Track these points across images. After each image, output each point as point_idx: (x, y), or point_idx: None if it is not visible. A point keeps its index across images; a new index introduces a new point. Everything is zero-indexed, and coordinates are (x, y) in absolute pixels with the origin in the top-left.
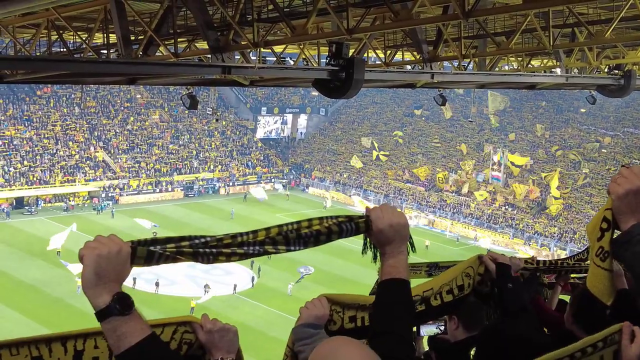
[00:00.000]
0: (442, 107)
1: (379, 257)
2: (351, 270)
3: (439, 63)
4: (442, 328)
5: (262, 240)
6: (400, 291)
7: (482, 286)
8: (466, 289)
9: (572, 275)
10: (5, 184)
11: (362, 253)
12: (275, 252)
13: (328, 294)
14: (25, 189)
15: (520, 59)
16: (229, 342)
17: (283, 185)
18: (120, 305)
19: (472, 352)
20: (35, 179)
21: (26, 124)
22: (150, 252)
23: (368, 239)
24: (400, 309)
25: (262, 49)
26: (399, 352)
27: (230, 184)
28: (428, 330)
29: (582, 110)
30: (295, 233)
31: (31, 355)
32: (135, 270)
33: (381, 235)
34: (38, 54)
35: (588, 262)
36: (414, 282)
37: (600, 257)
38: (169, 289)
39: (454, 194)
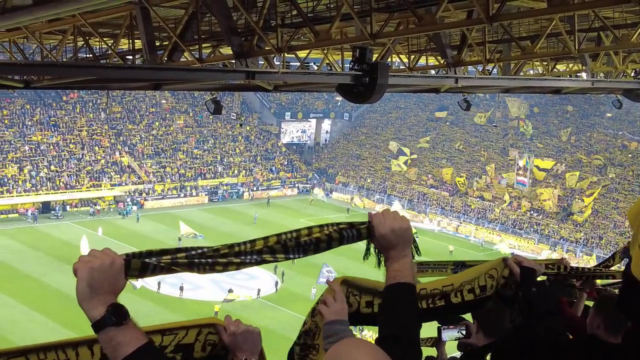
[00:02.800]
0: (468, 111)
1: (383, 263)
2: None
3: (463, 67)
4: (464, 332)
5: (259, 249)
6: (406, 295)
7: (506, 289)
8: (488, 290)
9: (597, 281)
10: (32, 188)
11: (364, 258)
12: (273, 260)
13: (347, 277)
14: (52, 193)
15: (546, 63)
16: (252, 344)
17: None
18: (115, 316)
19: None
20: (61, 183)
21: (53, 129)
22: (144, 263)
23: (371, 245)
24: (406, 312)
25: (285, 54)
26: (406, 356)
27: (254, 188)
28: (450, 334)
29: (608, 114)
30: (294, 241)
31: (58, 358)
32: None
33: (384, 240)
34: (64, 59)
35: (613, 268)
36: (434, 277)
37: None
38: (193, 294)
39: (478, 199)
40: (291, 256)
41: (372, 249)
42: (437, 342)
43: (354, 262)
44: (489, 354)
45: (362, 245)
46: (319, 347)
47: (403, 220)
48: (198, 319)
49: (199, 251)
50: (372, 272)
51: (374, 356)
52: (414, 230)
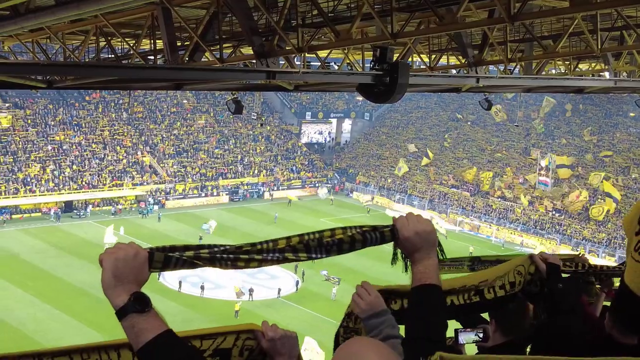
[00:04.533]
0: (489, 111)
1: (409, 267)
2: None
3: (484, 67)
4: (481, 335)
5: (282, 248)
6: (432, 297)
7: (532, 286)
8: (517, 287)
9: (615, 281)
10: (55, 188)
11: (392, 263)
12: (295, 259)
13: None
14: (74, 193)
15: (568, 62)
16: (290, 348)
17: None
18: (138, 304)
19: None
20: (84, 183)
21: (75, 129)
22: (167, 257)
23: (398, 250)
24: (432, 314)
25: (306, 54)
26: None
27: (275, 188)
28: (467, 337)
29: (631, 114)
30: (317, 242)
31: (100, 359)
32: (181, 274)
33: (408, 243)
34: (87, 60)
35: None
36: (452, 275)
37: (639, 251)
38: (213, 293)
39: (499, 199)
40: (313, 255)
41: (399, 254)
42: (454, 345)
43: (375, 262)
44: (507, 353)
45: (386, 247)
46: (360, 331)
47: (427, 223)
48: (236, 325)
49: (222, 248)
50: (391, 272)
51: (382, 355)
52: (443, 231)
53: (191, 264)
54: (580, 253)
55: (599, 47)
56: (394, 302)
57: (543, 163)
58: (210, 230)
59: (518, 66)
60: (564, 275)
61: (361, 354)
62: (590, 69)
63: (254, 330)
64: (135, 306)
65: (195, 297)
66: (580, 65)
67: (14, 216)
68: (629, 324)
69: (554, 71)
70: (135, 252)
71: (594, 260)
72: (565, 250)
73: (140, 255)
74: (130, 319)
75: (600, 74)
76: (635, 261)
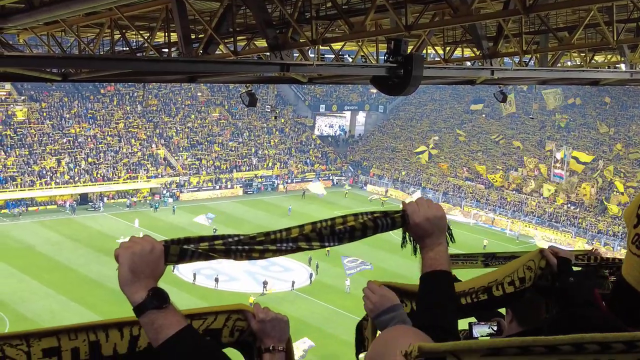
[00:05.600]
0: (505, 103)
1: (419, 251)
2: (410, 268)
3: (499, 59)
4: (495, 328)
5: (295, 237)
6: (442, 283)
7: (543, 280)
8: (527, 282)
9: None
10: (70, 180)
11: (402, 246)
12: (309, 248)
13: (389, 282)
14: (90, 185)
15: (583, 54)
16: (280, 331)
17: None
18: (157, 300)
19: None
20: (99, 175)
21: (90, 122)
22: (183, 249)
23: (407, 233)
24: (443, 300)
25: (320, 47)
26: None
27: (289, 181)
28: (480, 330)
29: None
30: (329, 229)
31: (89, 339)
32: (195, 266)
33: (418, 228)
34: (101, 53)
35: None
36: (476, 272)
37: (637, 244)
38: (228, 285)
39: (514, 192)
40: (326, 244)
41: (407, 237)
42: (468, 338)
43: (390, 254)
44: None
45: (397, 238)
46: None
47: (437, 209)
48: (227, 305)
49: (236, 238)
50: (406, 264)
51: (420, 338)
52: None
53: (206, 256)
54: (594, 248)
55: (615, 38)
56: (404, 306)
57: (558, 155)
58: (209, 222)
59: (533, 58)
60: (575, 268)
61: (399, 338)
62: (606, 60)
63: (245, 311)
64: (154, 302)
65: (209, 289)
66: (596, 57)
67: (29, 208)
68: (627, 317)
69: (569, 63)
70: (151, 246)
71: (609, 254)
72: (581, 243)
73: (157, 249)
74: (150, 315)
75: (616, 65)
76: (632, 254)
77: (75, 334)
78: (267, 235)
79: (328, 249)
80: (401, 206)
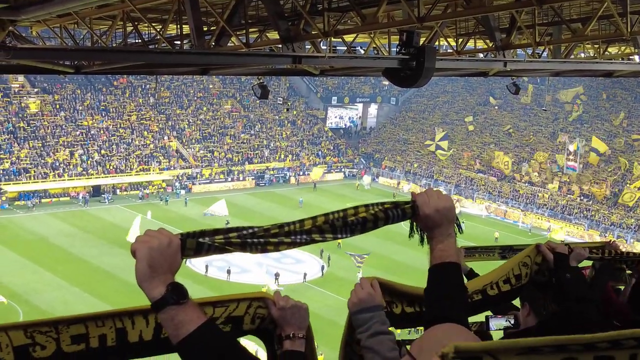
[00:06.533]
0: (517, 95)
1: (425, 241)
2: (420, 260)
3: (512, 51)
4: (512, 322)
5: (308, 229)
6: (452, 275)
7: (539, 276)
8: (523, 279)
9: None
10: (83, 172)
11: (409, 237)
12: (322, 240)
13: (380, 278)
14: (102, 177)
15: (597, 46)
16: (300, 319)
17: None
18: (176, 295)
19: None
20: (111, 167)
21: (103, 114)
22: (199, 243)
23: (415, 223)
24: (454, 292)
25: (332, 39)
26: None
27: (301, 173)
28: (497, 323)
29: None
30: (342, 221)
31: (115, 326)
32: (208, 258)
33: (428, 220)
34: (114, 45)
35: None
36: (494, 265)
37: None
38: (240, 277)
39: (527, 184)
40: (339, 236)
41: (415, 228)
42: (484, 331)
43: (401, 247)
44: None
45: (405, 229)
46: None
47: (447, 200)
48: (248, 293)
49: (250, 231)
50: (415, 255)
51: (468, 337)
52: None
53: (222, 249)
54: (610, 239)
55: (629, 30)
56: (395, 306)
57: (571, 147)
58: (214, 213)
59: (546, 50)
60: (590, 262)
61: (447, 337)
62: (619, 52)
63: (265, 299)
64: (173, 297)
65: (221, 281)
66: (610, 49)
67: (43, 200)
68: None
69: (582, 55)
70: (168, 241)
71: (622, 247)
72: (595, 236)
73: (174, 243)
74: (169, 311)
75: (630, 57)
76: None
77: (102, 321)
78: (281, 227)
79: (339, 241)
80: (411, 197)
